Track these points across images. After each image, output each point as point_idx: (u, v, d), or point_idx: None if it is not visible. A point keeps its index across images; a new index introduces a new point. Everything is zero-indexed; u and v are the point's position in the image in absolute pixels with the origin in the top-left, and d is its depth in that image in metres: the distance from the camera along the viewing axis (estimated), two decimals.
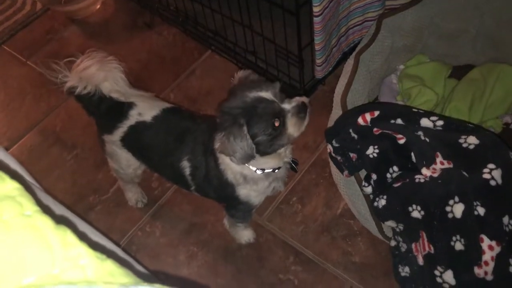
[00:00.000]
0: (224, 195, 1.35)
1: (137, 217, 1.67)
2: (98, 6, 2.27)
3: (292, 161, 1.34)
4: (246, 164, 1.21)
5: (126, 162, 1.47)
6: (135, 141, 1.38)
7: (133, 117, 1.35)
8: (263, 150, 1.16)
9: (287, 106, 1.14)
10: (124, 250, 1.59)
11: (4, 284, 0.40)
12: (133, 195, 1.67)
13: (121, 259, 0.64)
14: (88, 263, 0.43)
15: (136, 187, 1.67)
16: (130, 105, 1.36)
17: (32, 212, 0.43)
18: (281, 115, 1.13)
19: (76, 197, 1.74)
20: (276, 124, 1.12)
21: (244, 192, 1.32)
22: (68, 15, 2.26)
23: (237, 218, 1.46)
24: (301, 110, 1.14)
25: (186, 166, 1.32)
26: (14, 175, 0.45)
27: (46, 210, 0.44)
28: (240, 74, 1.26)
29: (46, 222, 0.43)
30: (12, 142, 1.90)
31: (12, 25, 2.26)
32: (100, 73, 1.31)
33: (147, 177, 1.70)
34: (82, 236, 0.46)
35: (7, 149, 1.88)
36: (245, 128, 1.09)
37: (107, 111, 1.37)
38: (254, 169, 1.25)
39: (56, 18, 2.28)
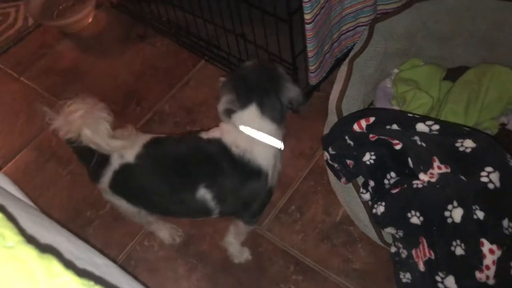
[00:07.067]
0: (256, 194, 1.28)
1: (135, 231, 1.65)
2: (90, 20, 2.27)
3: None
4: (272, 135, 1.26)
5: (125, 209, 1.37)
6: (126, 186, 1.28)
7: (115, 160, 1.25)
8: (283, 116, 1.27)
9: None
10: (121, 266, 1.58)
11: None
12: (165, 233, 1.57)
13: (110, 285, 0.62)
14: None
15: (163, 223, 1.55)
16: None
17: (15, 243, 0.42)
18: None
19: (73, 213, 1.72)
20: None
21: (271, 178, 1.28)
22: (60, 30, 2.26)
23: (258, 216, 1.38)
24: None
25: (205, 193, 1.23)
26: None
27: (29, 239, 0.43)
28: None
29: (29, 252, 0.42)
30: (7, 159, 1.89)
31: (4, 41, 2.26)
32: (82, 119, 1.16)
33: None
34: (69, 264, 0.45)
35: (1, 167, 1.87)
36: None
37: (90, 157, 1.24)
38: (278, 141, 1.27)
39: (49, 32, 2.28)
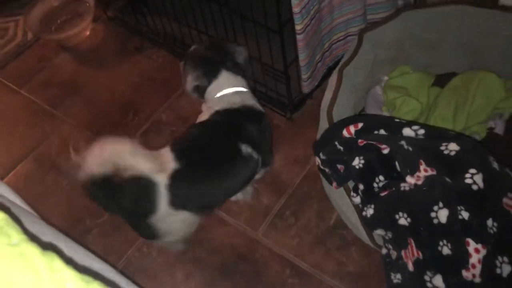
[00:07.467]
0: (268, 132, 1.54)
1: (134, 238, 1.68)
2: (88, 33, 2.32)
3: None
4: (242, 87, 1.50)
5: (189, 224, 1.39)
6: (186, 191, 1.29)
7: (159, 177, 1.25)
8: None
9: None
10: (121, 272, 1.61)
11: None
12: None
13: (109, 281, 0.66)
14: (74, 285, 0.46)
15: None
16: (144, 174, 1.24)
17: (19, 241, 0.46)
18: None
19: (73, 222, 1.76)
20: None
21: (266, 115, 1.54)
22: (59, 43, 2.31)
23: (271, 153, 1.65)
24: None
25: (245, 147, 1.37)
26: (1, 206, 0.47)
27: (32, 237, 0.47)
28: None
29: (32, 249, 0.46)
30: (8, 170, 1.93)
31: (4, 56, 2.31)
32: (122, 147, 1.19)
33: None
34: (69, 261, 0.48)
35: (2, 177, 1.90)
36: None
37: (129, 198, 1.24)
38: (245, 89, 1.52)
39: (48, 46, 2.33)
